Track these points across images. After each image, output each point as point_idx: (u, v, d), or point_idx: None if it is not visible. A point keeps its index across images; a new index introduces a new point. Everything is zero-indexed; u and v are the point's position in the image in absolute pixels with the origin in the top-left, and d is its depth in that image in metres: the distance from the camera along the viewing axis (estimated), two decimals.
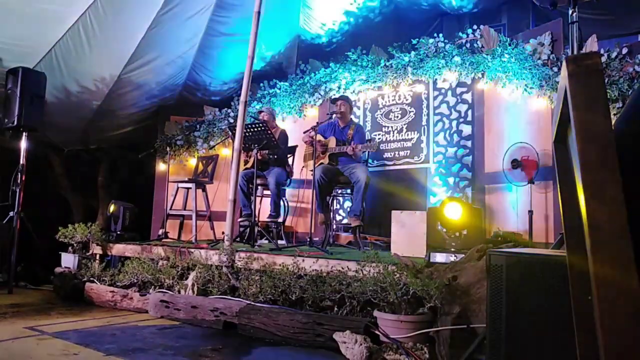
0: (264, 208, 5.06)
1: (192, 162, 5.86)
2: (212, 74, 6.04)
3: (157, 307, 3.48)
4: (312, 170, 4.25)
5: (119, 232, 4.81)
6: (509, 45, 4.39)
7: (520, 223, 4.20)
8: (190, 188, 5.06)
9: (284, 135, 5.01)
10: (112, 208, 4.91)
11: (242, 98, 3.86)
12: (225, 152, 5.84)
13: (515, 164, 4.03)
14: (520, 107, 4.35)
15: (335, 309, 2.95)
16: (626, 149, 0.76)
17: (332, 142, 4.64)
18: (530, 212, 3.94)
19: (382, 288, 2.59)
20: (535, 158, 3.99)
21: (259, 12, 3.87)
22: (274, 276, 3.20)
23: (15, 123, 4.43)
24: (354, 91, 5.47)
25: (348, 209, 5.07)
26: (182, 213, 5.14)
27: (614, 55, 3.73)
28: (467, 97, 4.84)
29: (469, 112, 4.81)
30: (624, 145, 0.76)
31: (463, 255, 2.86)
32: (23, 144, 4.58)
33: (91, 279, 4.12)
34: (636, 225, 0.67)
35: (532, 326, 1.61)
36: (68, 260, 4.52)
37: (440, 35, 4.92)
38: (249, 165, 4.82)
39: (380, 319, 2.58)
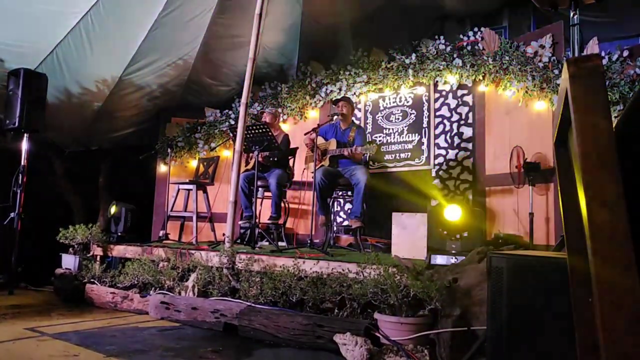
0: (264, 210, 5.06)
1: (193, 163, 5.87)
2: (213, 76, 6.05)
3: (157, 308, 3.48)
4: (313, 172, 4.25)
5: (119, 234, 4.80)
6: (510, 47, 4.39)
7: (521, 225, 4.20)
8: (191, 189, 5.07)
9: (286, 140, 5.01)
10: (113, 209, 4.90)
11: (243, 100, 3.87)
12: (226, 153, 5.85)
13: (516, 166, 4.03)
14: (521, 109, 4.36)
15: (336, 310, 2.94)
16: (627, 150, 0.76)
17: (332, 144, 4.64)
18: (531, 214, 3.94)
19: (382, 290, 2.58)
20: (536, 160, 3.99)
21: (260, 14, 3.88)
22: (274, 278, 3.20)
23: (17, 124, 4.44)
24: (354, 93, 5.47)
25: (349, 211, 5.07)
26: (183, 214, 5.15)
27: (614, 57, 3.73)
28: (468, 99, 4.85)
29: (470, 115, 4.81)
30: (625, 147, 0.76)
31: (463, 257, 2.86)
32: (24, 145, 4.58)
33: (92, 280, 4.12)
34: (637, 227, 0.67)
35: (533, 328, 1.61)
36: (69, 262, 4.52)
37: (441, 37, 4.92)
38: (249, 166, 4.82)
39: (380, 320, 2.57)
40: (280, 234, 4.75)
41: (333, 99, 5.16)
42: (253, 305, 3.11)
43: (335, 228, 4.93)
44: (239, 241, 4.28)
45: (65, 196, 6.55)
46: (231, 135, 5.01)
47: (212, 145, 5.76)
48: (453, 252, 3.20)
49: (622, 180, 0.67)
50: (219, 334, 3.02)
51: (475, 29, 4.79)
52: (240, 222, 4.70)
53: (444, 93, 5.00)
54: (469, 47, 4.73)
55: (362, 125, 5.43)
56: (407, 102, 5.23)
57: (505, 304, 1.69)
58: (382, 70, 5.19)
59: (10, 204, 4.47)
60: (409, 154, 5.13)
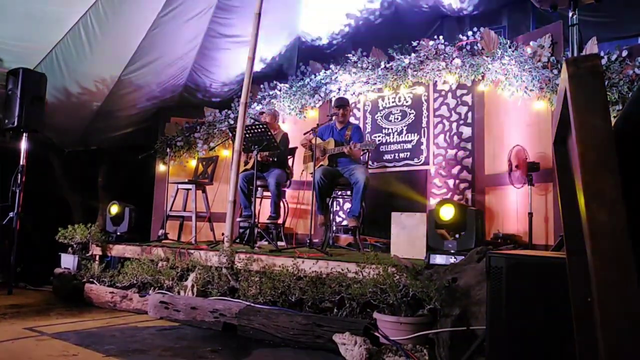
0: (263, 209, 5.06)
1: (192, 163, 5.86)
2: (212, 75, 6.04)
3: (156, 308, 3.48)
4: (312, 172, 4.25)
5: (120, 234, 4.80)
6: (509, 47, 4.39)
7: (520, 225, 4.20)
8: (190, 189, 5.06)
9: (285, 139, 5.01)
10: (115, 209, 4.89)
11: (242, 99, 3.86)
12: (225, 153, 5.84)
13: (516, 166, 4.03)
14: (520, 109, 4.35)
15: (335, 310, 2.95)
16: (626, 150, 0.76)
17: (331, 143, 4.64)
18: (530, 214, 3.94)
19: (381, 290, 2.58)
20: (535, 160, 4.00)
21: (259, 14, 3.87)
22: (273, 277, 3.20)
23: (16, 124, 4.43)
24: (354, 93, 5.47)
25: (348, 211, 5.07)
26: (182, 214, 5.14)
27: (614, 57, 3.73)
28: (467, 99, 4.85)
29: (469, 114, 4.82)
30: (624, 146, 0.76)
31: (463, 257, 2.86)
32: (23, 144, 4.57)
33: (91, 279, 4.12)
34: (636, 227, 0.67)
35: (532, 328, 1.61)
36: (67, 261, 4.52)
37: (441, 37, 4.92)
38: (248, 166, 4.82)
39: (380, 320, 2.58)
40: (279, 233, 4.75)
41: (336, 103, 5.12)
42: (252, 305, 3.11)
43: (334, 228, 4.93)
44: (238, 241, 4.28)
45: (64, 196, 6.54)
46: (230, 135, 5.01)
47: (211, 144, 5.76)
48: (452, 251, 3.19)
49: (622, 180, 0.67)
50: (218, 333, 3.02)
51: (475, 29, 4.79)
52: (239, 219, 4.69)
53: (443, 93, 5.00)
54: (468, 47, 4.73)
55: (361, 125, 5.43)
56: (407, 101, 5.23)
57: (504, 303, 1.69)
58: (381, 70, 5.19)
59: (9, 203, 4.47)
60: (408, 153, 5.14)
